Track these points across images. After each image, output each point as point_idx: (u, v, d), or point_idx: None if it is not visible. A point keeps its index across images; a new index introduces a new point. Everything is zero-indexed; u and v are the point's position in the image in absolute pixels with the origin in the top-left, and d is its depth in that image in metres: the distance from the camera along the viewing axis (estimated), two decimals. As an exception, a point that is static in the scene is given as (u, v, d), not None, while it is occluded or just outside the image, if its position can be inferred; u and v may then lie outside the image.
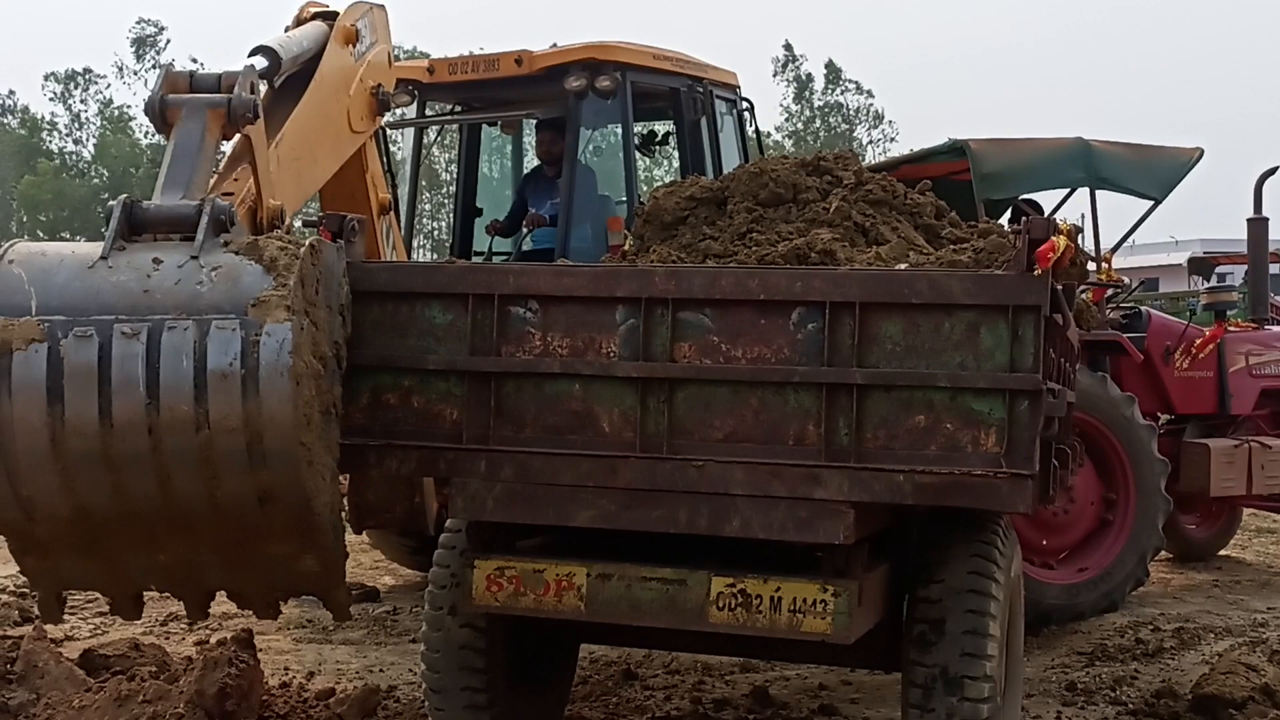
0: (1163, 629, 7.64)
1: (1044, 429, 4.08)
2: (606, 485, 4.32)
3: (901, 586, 4.71)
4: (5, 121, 75.50)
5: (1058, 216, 6.10)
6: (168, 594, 4.66)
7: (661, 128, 9.28)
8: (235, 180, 4.96)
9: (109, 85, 79.15)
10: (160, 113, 4.48)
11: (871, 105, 74.21)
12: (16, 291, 3.85)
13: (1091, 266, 8.98)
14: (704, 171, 8.84)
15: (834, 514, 4.11)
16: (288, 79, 5.69)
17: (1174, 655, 7.14)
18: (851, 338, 4.15)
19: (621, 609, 4.38)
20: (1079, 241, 5.99)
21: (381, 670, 6.83)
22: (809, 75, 74.43)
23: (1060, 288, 4.18)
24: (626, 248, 8.01)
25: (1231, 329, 9.05)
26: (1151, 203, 8.97)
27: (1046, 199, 9.11)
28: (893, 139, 73.29)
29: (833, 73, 74.53)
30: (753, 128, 9.62)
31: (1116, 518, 7.98)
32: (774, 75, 74.45)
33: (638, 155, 9.00)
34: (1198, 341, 8.73)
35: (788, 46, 74.51)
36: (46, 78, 76.09)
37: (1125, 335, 8.52)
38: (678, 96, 8.80)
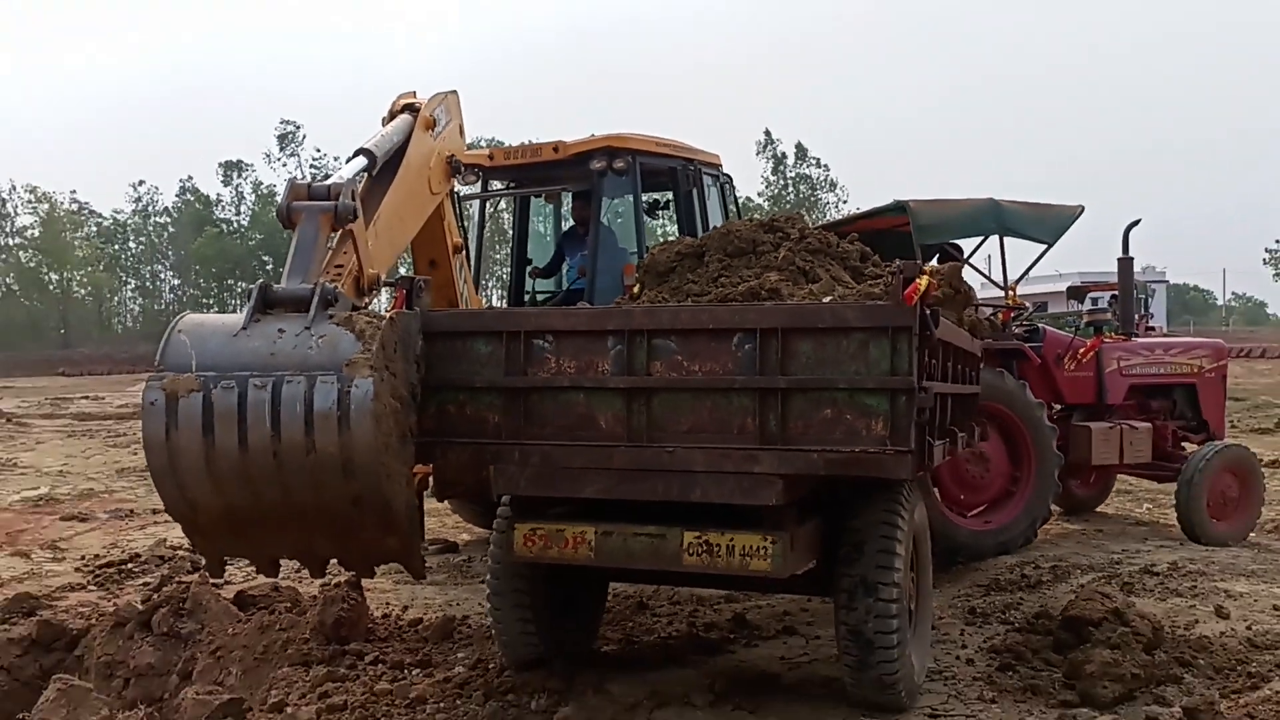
0: (1042, 566, 7.55)
1: (918, 416, 4.24)
2: (605, 467, 4.53)
3: (836, 534, 4.83)
4: (187, 198, 76.39)
5: (935, 264, 6.19)
6: (295, 560, 4.81)
7: (663, 196, 9.32)
8: (346, 254, 5.09)
9: (255, 169, 79.78)
10: (287, 215, 4.66)
11: (829, 175, 74.86)
12: (182, 354, 4.09)
13: (1000, 293, 9.18)
14: (695, 229, 8.92)
15: (768, 483, 4.30)
16: (383, 165, 5.77)
17: (1050, 586, 7.06)
18: (776, 354, 4.37)
19: (620, 556, 4.58)
20: (958, 284, 6.15)
21: (458, 605, 6.85)
22: (783, 154, 74.74)
23: (929, 312, 4.29)
24: (637, 288, 8.12)
25: (1107, 340, 9.15)
26: (1045, 246, 9.04)
27: (968, 243, 9.23)
28: (844, 200, 73.91)
29: (801, 151, 74.89)
30: (732, 196, 9.65)
31: (1019, 487, 8.10)
32: (756, 154, 74.83)
33: (646, 218, 9.07)
34: (1082, 349, 8.91)
35: (767, 133, 74.93)
36: (219, 164, 76.94)
37: (1028, 345, 8.74)
38: (675, 173, 8.87)
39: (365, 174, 5.55)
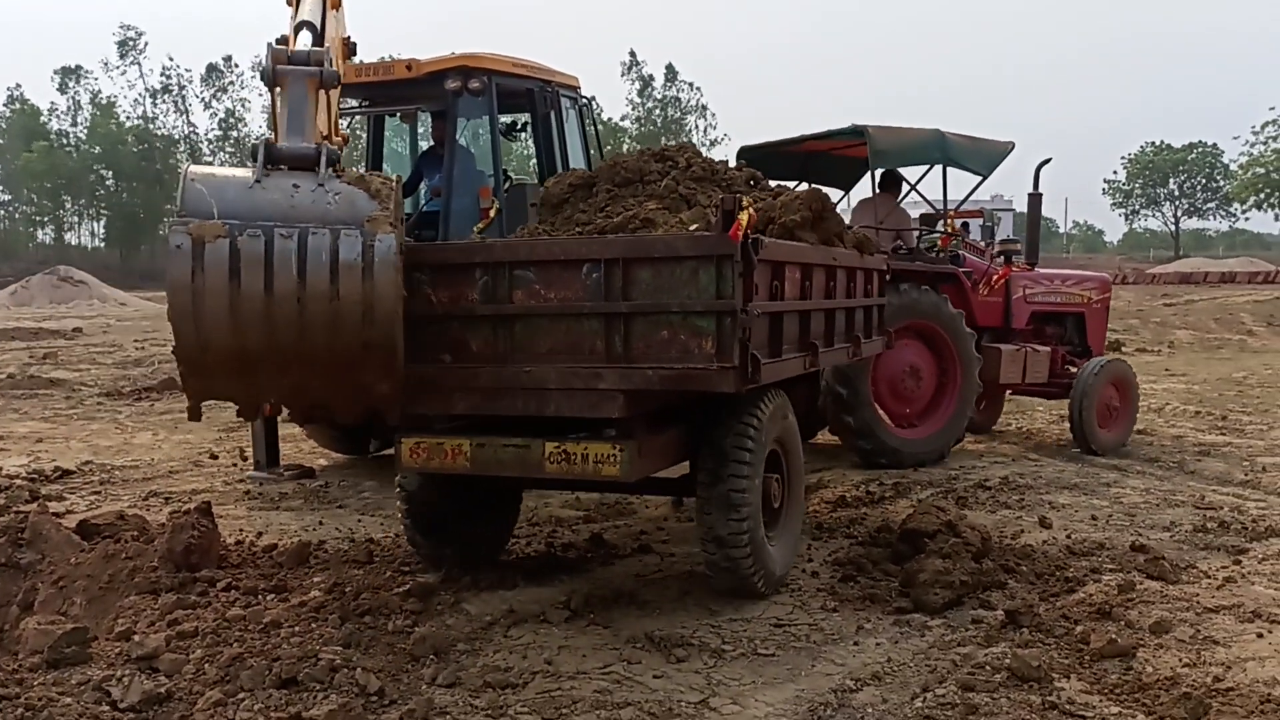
0: (885, 483, 7.92)
1: (742, 335, 4.60)
2: (473, 386, 4.95)
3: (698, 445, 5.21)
4: (15, 108, 71.21)
5: (804, 187, 6.40)
6: (281, 404, 4.94)
7: (520, 118, 9.21)
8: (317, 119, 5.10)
9: (97, 79, 74.96)
10: (272, 78, 4.70)
11: (700, 99, 73.86)
12: (202, 202, 4.21)
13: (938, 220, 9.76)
14: (552, 152, 8.86)
15: (610, 398, 4.71)
16: None
17: (892, 502, 7.41)
18: (619, 282, 4.73)
19: (491, 465, 4.96)
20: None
21: (314, 529, 6.79)
22: (651, 75, 73.64)
23: (751, 241, 4.62)
24: (493, 211, 8.05)
25: (1014, 270, 9.73)
26: (980, 177, 9.61)
27: (912, 173, 9.80)
28: (713, 125, 73.27)
29: (671, 73, 73.80)
30: (591, 119, 9.59)
31: (945, 401, 8.98)
32: (621, 75, 73.64)
33: (503, 140, 8.95)
34: (995, 276, 9.52)
35: (632, 54, 73.77)
36: (55, 71, 71.90)
37: (960, 270, 9.40)
38: (532, 95, 8.75)
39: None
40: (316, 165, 4.42)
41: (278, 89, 4.73)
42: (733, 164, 6.71)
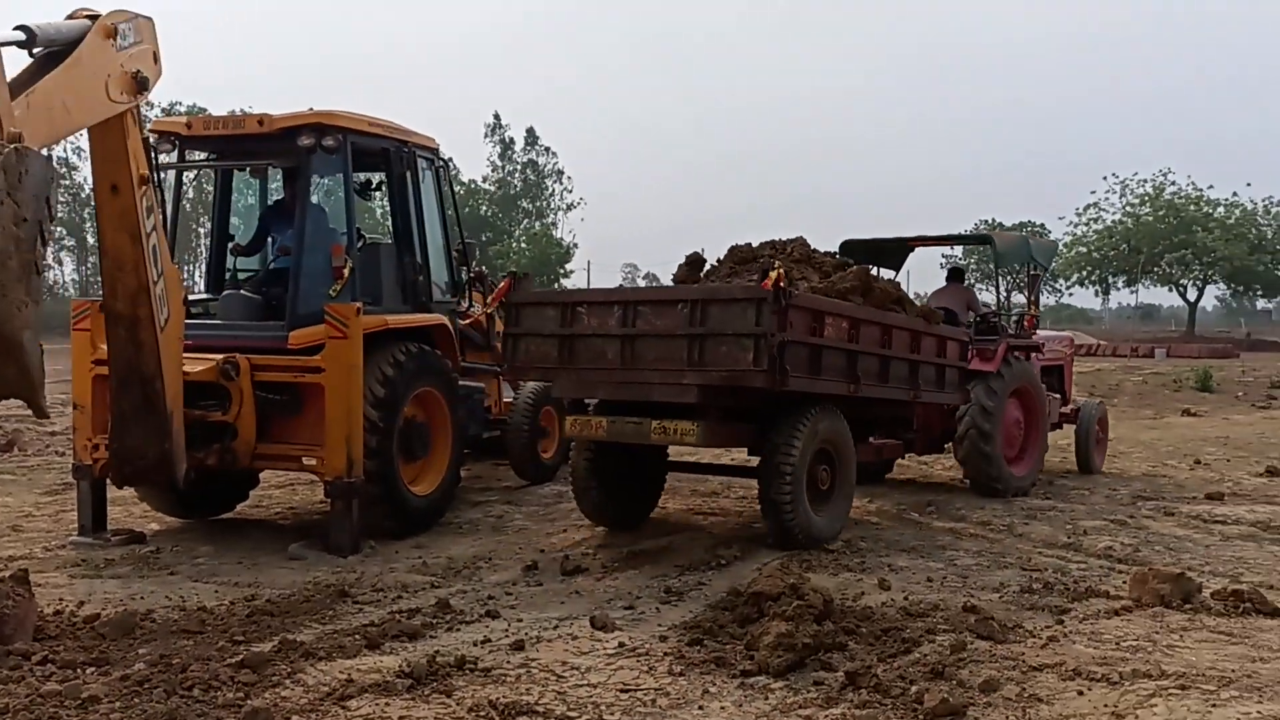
0: (733, 547, 7.90)
1: (770, 350, 7.03)
2: (609, 382, 7.79)
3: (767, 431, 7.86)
4: None
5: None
6: None
7: (376, 177, 9.13)
8: None
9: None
10: None
11: (556, 164, 74.49)
12: None
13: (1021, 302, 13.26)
14: (408, 212, 8.80)
15: (690, 390, 7.41)
16: (50, 54, 5.68)
17: (739, 565, 7.44)
18: (699, 315, 7.35)
19: (618, 435, 7.81)
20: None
21: (143, 598, 6.46)
22: (512, 139, 74.05)
23: (780, 292, 7.05)
24: (346, 270, 7.91)
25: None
26: (1043, 270, 12.72)
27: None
28: (569, 190, 74.14)
29: (531, 137, 74.32)
30: (448, 180, 9.57)
31: (1030, 443, 11.11)
32: (485, 137, 73.85)
33: (357, 198, 8.84)
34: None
35: (496, 116, 74.03)
36: None
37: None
38: (388, 154, 8.69)
39: (18, 45, 5.45)
40: None
41: None
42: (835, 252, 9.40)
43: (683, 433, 7.45)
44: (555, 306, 7.94)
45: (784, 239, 8.74)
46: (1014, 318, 11.91)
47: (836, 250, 10.25)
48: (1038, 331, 12.01)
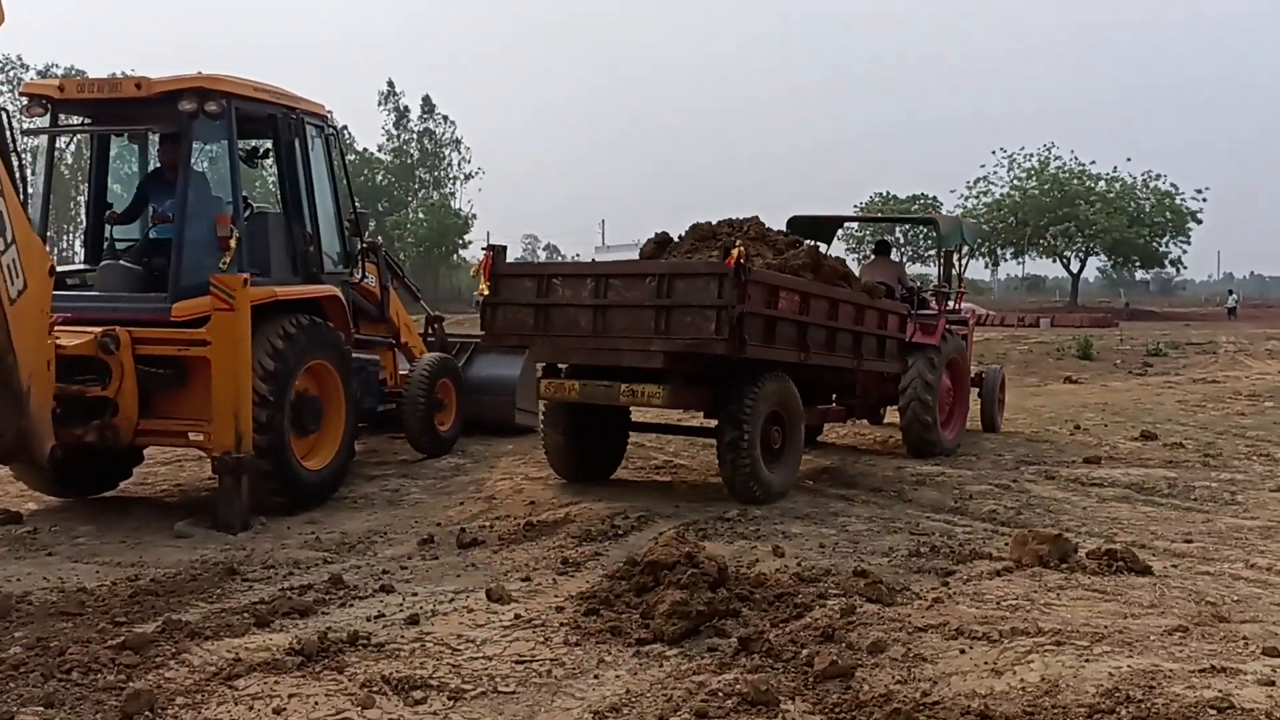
0: (630, 516, 7.96)
1: (731, 320, 7.69)
2: (581, 348, 8.36)
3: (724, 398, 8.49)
4: None
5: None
6: None
7: (262, 144, 8.86)
8: None
9: None
10: None
11: (455, 133, 73.31)
12: None
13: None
14: (296, 180, 8.58)
15: (656, 356, 8.01)
16: None
17: (635, 535, 7.49)
18: (665, 288, 7.96)
19: (589, 396, 8.46)
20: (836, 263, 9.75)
21: (19, 580, 6.22)
22: (407, 107, 72.60)
23: (740, 268, 7.70)
24: (233, 240, 7.68)
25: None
26: (969, 250, 14.16)
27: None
28: (467, 160, 73.16)
29: (427, 105, 72.94)
30: (339, 148, 9.35)
31: (958, 405, 12.01)
32: (379, 104, 72.37)
33: (242, 166, 8.57)
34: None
35: (390, 84, 72.51)
36: None
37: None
38: (275, 121, 8.45)
39: None
40: None
41: None
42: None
43: (649, 395, 8.14)
44: (532, 278, 8.53)
45: (740, 218, 9.38)
46: (946, 292, 12.65)
47: (786, 227, 11.61)
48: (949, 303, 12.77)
